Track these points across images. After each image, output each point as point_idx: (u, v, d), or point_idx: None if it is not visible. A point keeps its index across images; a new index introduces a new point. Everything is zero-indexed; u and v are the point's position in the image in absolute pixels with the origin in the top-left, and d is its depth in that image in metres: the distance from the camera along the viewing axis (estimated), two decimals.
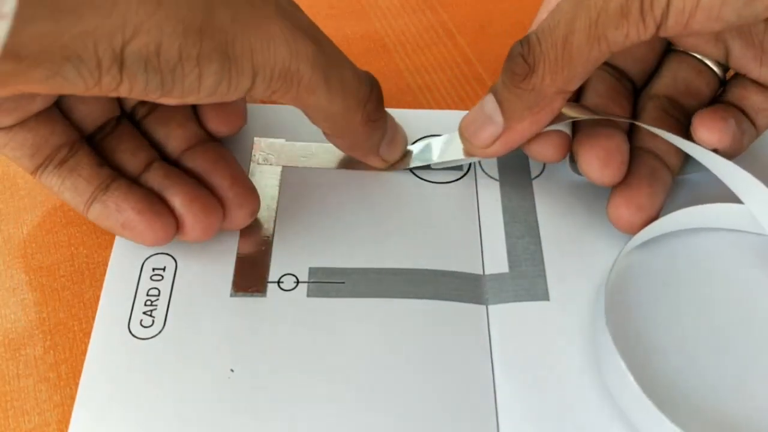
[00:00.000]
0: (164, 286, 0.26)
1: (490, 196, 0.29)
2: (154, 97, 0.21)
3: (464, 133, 0.27)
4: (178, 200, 0.25)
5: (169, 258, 0.27)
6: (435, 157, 0.29)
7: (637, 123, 0.27)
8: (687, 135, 0.27)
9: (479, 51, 0.35)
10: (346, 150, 0.29)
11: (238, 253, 0.27)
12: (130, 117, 0.28)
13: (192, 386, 0.24)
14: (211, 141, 0.27)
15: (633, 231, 0.26)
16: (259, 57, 0.22)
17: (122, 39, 0.19)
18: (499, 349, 0.25)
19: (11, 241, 0.28)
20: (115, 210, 0.25)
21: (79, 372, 0.24)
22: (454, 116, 0.32)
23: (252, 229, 0.27)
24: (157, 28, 0.19)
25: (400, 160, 0.29)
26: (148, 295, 0.26)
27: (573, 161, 0.28)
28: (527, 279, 0.27)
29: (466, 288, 0.26)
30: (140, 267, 0.26)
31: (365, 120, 0.26)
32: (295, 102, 0.24)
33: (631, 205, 0.26)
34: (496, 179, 0.30)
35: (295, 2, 0.24)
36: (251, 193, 0.26)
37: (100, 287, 0.26)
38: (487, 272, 0.27)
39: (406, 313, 0.26)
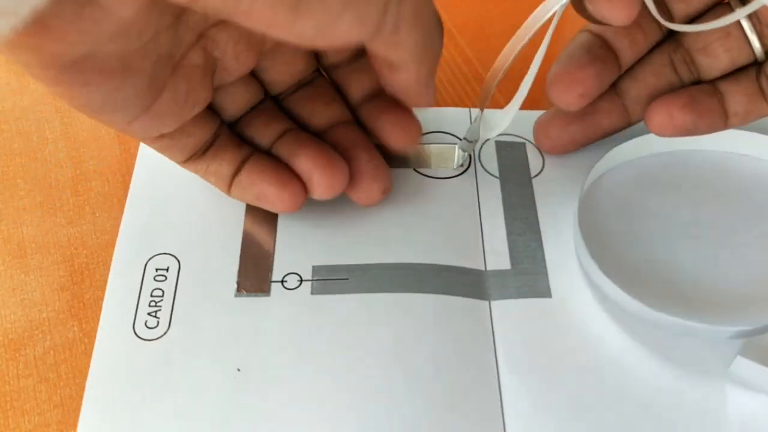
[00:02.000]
0: (168, 286, 0.26)
1: (491, 193, 0.29)
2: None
3: None
4: (304, 160, 0.25)
5: (172, 258, 0.26)
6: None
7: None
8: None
9: (479, 51, 0.35)
10: (419, 83, 0.25)
11: (241, 253, 0.27)
12: (273, 98, 0.28)
13: (198, 387, 0.24)
14: (352, 123, 0.27)
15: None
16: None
17: None
18: (503, 344, 0.25)
19: (11, 241, 0.27)
20: (250, 184, 0.26)
21: (79, 372, 0.24)
22: (455, 115, 0.32)
23: (255, 228, 0.27)
24: None
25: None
26: (152, 295, 0.26)
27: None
28: (529, 276, 0.27)
29: (468, 283, 0.26)
30: (143, 267, 0.26)
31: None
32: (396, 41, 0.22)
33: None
34: (496, 176, 0.30)
35: None
36: (386, 170, 0.27)
37: (100, 287, 0.26)
38: (488, 268, 0.27)
39: (410, 308, 0.26)
